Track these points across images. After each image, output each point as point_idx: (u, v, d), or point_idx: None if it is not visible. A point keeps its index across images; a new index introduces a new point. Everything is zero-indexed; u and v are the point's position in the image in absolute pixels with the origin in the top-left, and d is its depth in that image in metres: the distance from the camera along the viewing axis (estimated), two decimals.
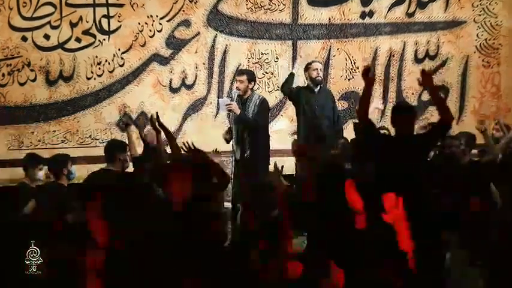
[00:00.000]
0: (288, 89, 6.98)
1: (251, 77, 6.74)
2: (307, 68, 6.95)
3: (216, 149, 6.87)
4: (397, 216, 4.43)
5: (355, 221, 4.63)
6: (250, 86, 6.68)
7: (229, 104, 6.56)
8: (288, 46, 8.37)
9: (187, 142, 4.92)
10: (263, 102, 6.70)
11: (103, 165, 5.82)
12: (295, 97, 7.01)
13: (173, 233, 4.49)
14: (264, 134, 6.76)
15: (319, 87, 6.95)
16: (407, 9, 8.52)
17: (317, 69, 6.88)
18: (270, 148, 6.85)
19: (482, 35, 8.65)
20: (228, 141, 6.85)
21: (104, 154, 5.77)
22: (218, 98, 8.08)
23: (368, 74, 4.98)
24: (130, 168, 6.05)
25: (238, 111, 6.55)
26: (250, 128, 6.59)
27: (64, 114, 7.98)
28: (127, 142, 6.34)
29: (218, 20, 8.24)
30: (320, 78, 6.90)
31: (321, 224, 4.95)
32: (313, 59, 7.47)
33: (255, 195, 5.12)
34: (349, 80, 8.47)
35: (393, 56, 8.53)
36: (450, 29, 8.59)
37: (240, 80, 6.67)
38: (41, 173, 6.08)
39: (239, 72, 6.93)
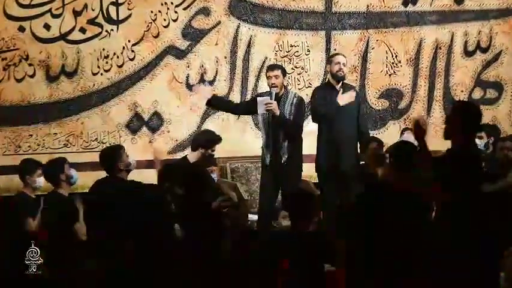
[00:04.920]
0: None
1: (284, 71, 6.52)
2: (329, 61, 6.80)
3: None
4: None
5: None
6: (285, 82, 6.47)
7: (269, 103, 6.23)
8: (321, 37, 8.05)
9: None
10: (301, 102, 6.46)
11: None
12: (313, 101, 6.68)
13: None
14: (300, 138, 6.51)
15: (341, 84, 6.59)
16: None
17: (339, 63, 6.53)
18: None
19: None
20: None
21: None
22: (241, 95, 7.87)
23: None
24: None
25: (278, 112, 6.26)
26: (289, 132, 6.34)
27: (67, 114, 7.56)
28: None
29: (241, 8, 7.88)
30: (342, 73, 6.53)
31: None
32: (338, 52, 7.26)
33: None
34: (390, 75, 8.18)
35: (440, 48, 8.27)
36: (504, 18, 8.33)
37: (275, 75, 6.37)
38: (41, 180, 5.87)
39: (272, 66, 6.61)
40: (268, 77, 6.44)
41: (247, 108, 6.65)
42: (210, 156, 6.16)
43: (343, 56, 6.77)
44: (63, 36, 7.54)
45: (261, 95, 6.53)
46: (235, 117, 7.80)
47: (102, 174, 5.85)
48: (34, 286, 4.89)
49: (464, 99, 8.06)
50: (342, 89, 6.45)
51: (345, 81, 6.67)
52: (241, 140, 7.35)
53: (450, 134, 4.41)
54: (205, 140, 6.14)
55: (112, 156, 5.63)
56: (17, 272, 5.03)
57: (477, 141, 7.06)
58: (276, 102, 6.24)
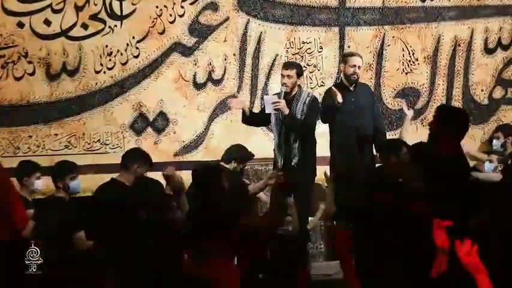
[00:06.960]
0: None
1: (300, 71, 6.44)
2: (344, 60, 6.66)
3: None
4: (474, 265, 4.24)
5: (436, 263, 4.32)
6: (298, 82, 6.41)
7: (277, 102, 6.18)
8: (334, 34, 7.95)
9: None
10: (314, 101, 6.39)
11: (114, 175, 5.77)
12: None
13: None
14: (313, 139, 6.47)
15: (354, 84, 6.55)
16: None
17: (355, 65, 6.46)
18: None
19: None
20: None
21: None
22: (251, 94, 7.82)
23: None
24: None
25: (286, 111, 6.21)
26: (299, 132, 6.30)
27: (68, 114, 7.62)
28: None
29: (251, 3, 7.85)
30: (356, 77, 6.49)
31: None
32: (351, 51, 7.21)
33: None
34: (406, 73, 8.06)
35: (459, 45, 8.11)
36: None
37: (288, 75, 6.32)
38: (39, 182, 5.90)
39: (287, 65, 6.56)
40: (281, 75, 6.42)
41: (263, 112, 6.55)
42: (241, 170, 6.43)
43: (360, 57, 6.67)
44: (64, 33, 7.54)
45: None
46: None
47: (104, 176, 5.93)
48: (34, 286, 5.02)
49: (485, 99, 8.03)
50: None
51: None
52: (251, 142, 7.23)
53: (438, 138, 4.50)
54: (241, 155, 6.38)
55: (135, 156, 5.68)
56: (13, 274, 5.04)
57: (494, 141, 7.32)
58: (284, 101, 6.19)
